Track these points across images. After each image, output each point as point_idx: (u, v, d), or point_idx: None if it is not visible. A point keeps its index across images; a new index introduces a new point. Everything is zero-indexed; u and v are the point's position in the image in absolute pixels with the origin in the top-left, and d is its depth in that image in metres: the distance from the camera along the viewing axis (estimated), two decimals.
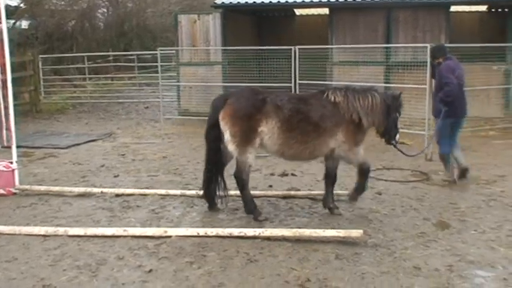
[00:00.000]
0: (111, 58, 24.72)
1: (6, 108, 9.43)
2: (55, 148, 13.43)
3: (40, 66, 19.88)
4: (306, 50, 14.30)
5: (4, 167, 9.23)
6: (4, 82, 9.34)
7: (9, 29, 25.50)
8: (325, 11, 17.94)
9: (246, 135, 7.21)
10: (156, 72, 18.28)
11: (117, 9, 29.70)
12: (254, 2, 16.53)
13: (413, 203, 8.27)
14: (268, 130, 7.24)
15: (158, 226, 7.44)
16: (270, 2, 16.48)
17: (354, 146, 7.54)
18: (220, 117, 7.31)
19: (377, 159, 11.19)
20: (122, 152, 12.71)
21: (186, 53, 17.07)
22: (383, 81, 15.04)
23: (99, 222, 7.75)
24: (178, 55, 17.17)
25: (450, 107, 8.92)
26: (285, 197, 8.53)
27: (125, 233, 7.04)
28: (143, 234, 7.00)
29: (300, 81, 13.49)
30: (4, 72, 9.32)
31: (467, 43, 14.28)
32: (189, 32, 17.00)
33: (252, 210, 7.59)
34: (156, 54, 17.22)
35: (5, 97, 9.40)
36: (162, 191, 8.95)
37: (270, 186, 9.37)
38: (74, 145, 13.78)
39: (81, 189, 9.22)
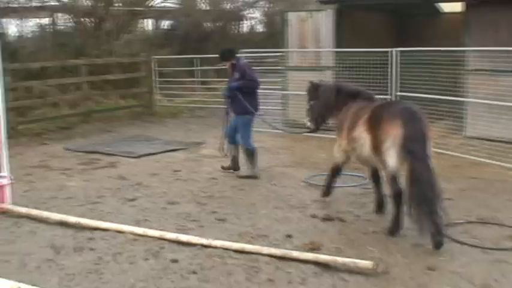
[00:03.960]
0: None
1: None
2: (127, 156, 12.04)
3: (155, 67, 18.71)
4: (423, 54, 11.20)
5: None
6: None
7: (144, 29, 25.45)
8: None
9: None
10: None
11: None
12: None
13: None
14: None
15: (77, 284, 5.41)
16: None
17: None
18: (428, 131, 6.46)
19: (479, 206, 7.97)
20: (178, 168, 10.84)
21: (294, 55, 14.73)
22: None
23: (26, 266, 5.98)
24: (288, 58, 14.88)
25: (251, 104, 9.57)
26: (283, 258, 5.91)
27: None
28: None
29: (404, 93, 10.38)
30: None
31: None
32: (298, 32, 14.61)
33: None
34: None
35: None
36: (140, 230, 6.84)
37: (289, 236, 6.76)
38: (149, 154, 12.26)
39: (58, 216, 7.45)
